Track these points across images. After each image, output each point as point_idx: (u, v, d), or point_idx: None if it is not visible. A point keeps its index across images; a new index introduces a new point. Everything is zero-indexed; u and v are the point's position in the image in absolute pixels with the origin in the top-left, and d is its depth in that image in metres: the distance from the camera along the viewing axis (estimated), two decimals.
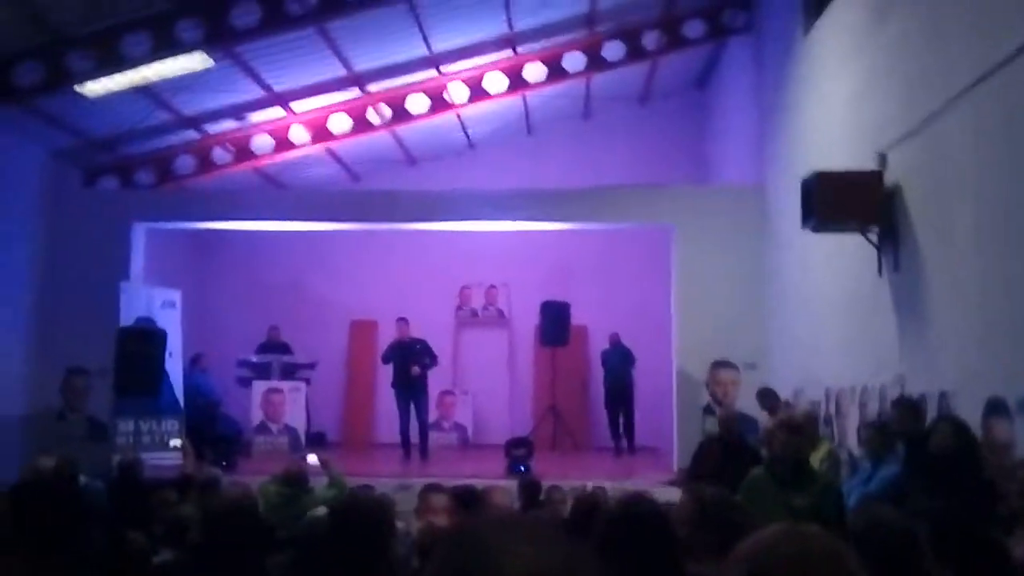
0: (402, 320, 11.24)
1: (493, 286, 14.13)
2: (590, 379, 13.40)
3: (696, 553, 2.58)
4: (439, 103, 11.88)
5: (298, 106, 11.56)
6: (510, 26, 10.82)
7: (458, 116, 12.71)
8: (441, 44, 10.86)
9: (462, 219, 10.94)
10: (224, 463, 9.19)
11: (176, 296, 11.16)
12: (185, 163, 11.99)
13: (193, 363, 11.47)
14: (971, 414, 4.68)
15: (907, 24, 6.17)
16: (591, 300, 13.06)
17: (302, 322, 13.00)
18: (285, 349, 12.17)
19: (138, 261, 10.90)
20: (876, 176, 6.28)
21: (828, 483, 4.59)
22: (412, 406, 10.97)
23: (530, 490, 6.07)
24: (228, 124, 11.65)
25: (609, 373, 12.35)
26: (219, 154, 12.00)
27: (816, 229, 6.50)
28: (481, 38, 11.01)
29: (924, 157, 5.81)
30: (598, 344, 13.34)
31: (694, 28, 11.39)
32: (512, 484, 6.31)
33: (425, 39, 10.54)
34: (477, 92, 11.80)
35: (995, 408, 4.57)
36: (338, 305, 13.77)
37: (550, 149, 13.77)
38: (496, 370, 13.85)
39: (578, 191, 11.02)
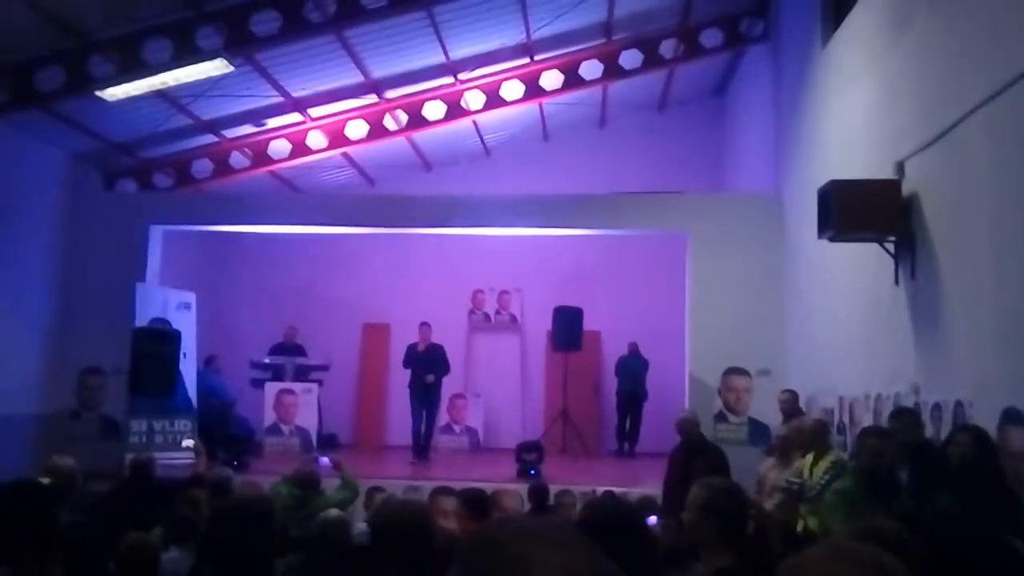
0: (425, 325, 11.31)
1: (506, 291, 14.15)
2: (602, 384, 13.41)
3: (703, 542, 2.60)
4: (456, 110, 11.93)
5: (316, 112, 11.64)
6: (528, 34, 10.85)
7: (474, 123, 12.75)
8: (458, 52, 10.90)
9: (477, 224, 10.97)
10: (236, 463, 9.23)
11: (191, 298, 11.24)
12: (203, 167, 12.09)
13: (207, 364, 11.55)
14: (987, 424, 4.64)
15: (926, 35, 6.15)
16: (604, 306, 13.06)
17: (315, 324, 13.06)
18: (299, 351, 12.23)
19: (154, 263, 10.98)
20: (894, 185, 6.25)
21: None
22: (424, 408, 11.06)
23: (539, 494, 6.06)
24: (246, 129, 11.74)
25: (624, 380, 12.50)
26: (236, 158, 12.09)
27: (833, 239, 6.47)
28: (498, 46, 11.05)
29: (942, 167, 5.78)
30: (611, 350, 13.37)
31: (711, 37, 11.38)
32: (522, 488, 6.30)
33: (443, 47, 10.59)
34: (494, 99, 11.83)
35: (1011, 418, 4.53)
36: (351, 308, 13.82)
37: (566, 156, 13.79)
38: (508, 374, 13.86)
39: (593, 197, 11.02)
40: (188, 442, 9.93)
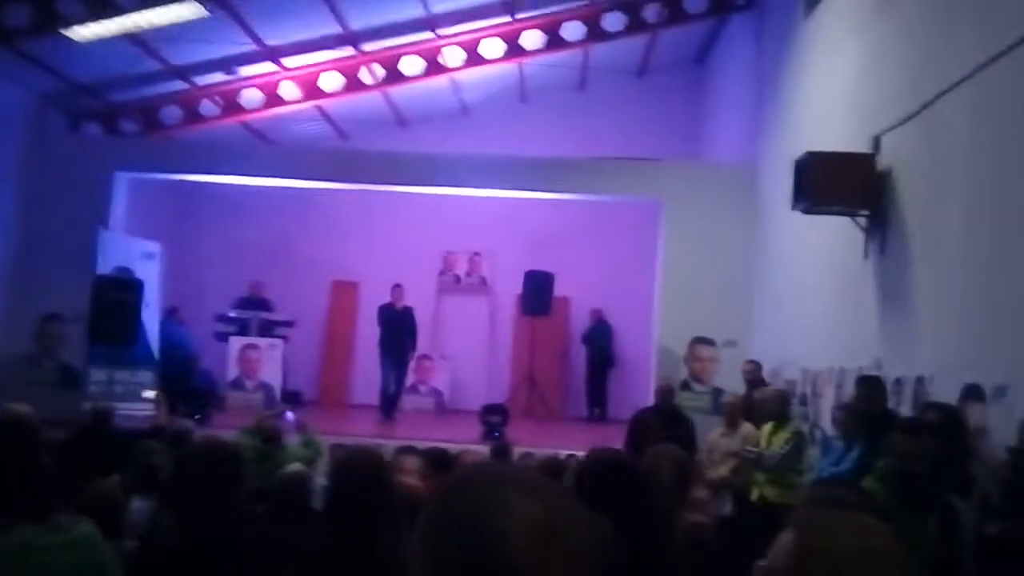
0: (397, 287, 11.33)
1: (477, 253, 14.08)
2: (570, 350, 13.44)
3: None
4: (433, 66, 11.73)
5: (290, 62, 11.38)
6: None
7: (452, 80, 12.56)
8: (439, 6, 10.69)
9: (451, 184, 10.87)
10: (197, 416, 9.13)
11: (156, 248, 11.03)
12: (171, 113, 11.81)
13: (169, 315, 11.37)
14: (947, 400, 4.69)
15: (909, 10, 6.12)
16: (576, 272, 13.03)
17: (283, 280, 12.90)
18: (265, 305, 12.09)
19: (119, 210, 10.77)
20: (869, 159, 6.26)
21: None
22: (392, 369, 11.11)
23: (502, 455, 6.07)
24: (217, 76, 11.46)
25: (593, 349, 12.66)
26: (207, 106, 11.82)
27: (806, 211, 6.49)
28: (480, 2, 10.86)
29: (918, 143, 5.79)
30: (580, 316, 13.40)
31: (696, 3, 11.28)
32: (486, 449, 6.31)
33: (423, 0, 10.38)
34: (473, 57, 11.66)
35: (971, 394, 4.59)
36: (320, 264, 13.67)
37: (543, 119, 13.63)
38: (476, 337, 13.84)
39: (568, 161, 10.94)
40: (149, 393, 9.83)
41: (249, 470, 5.31)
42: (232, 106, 11.84)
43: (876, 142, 6.34)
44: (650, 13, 11.32)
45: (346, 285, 13.84)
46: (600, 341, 12.81)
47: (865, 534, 1.09)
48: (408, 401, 12.34)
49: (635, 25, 11.47)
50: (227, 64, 11.14)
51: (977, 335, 4.77)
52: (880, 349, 6.02)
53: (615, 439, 9.51)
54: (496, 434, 9.04)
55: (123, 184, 10.82)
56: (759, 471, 6.16)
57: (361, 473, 2.84)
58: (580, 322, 13.41)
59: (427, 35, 11.38)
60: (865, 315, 6.36)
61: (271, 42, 10.68)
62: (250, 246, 13.46)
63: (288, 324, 12.04)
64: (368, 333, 11.50)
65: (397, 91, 12.53)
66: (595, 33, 11.51)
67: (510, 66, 12.36)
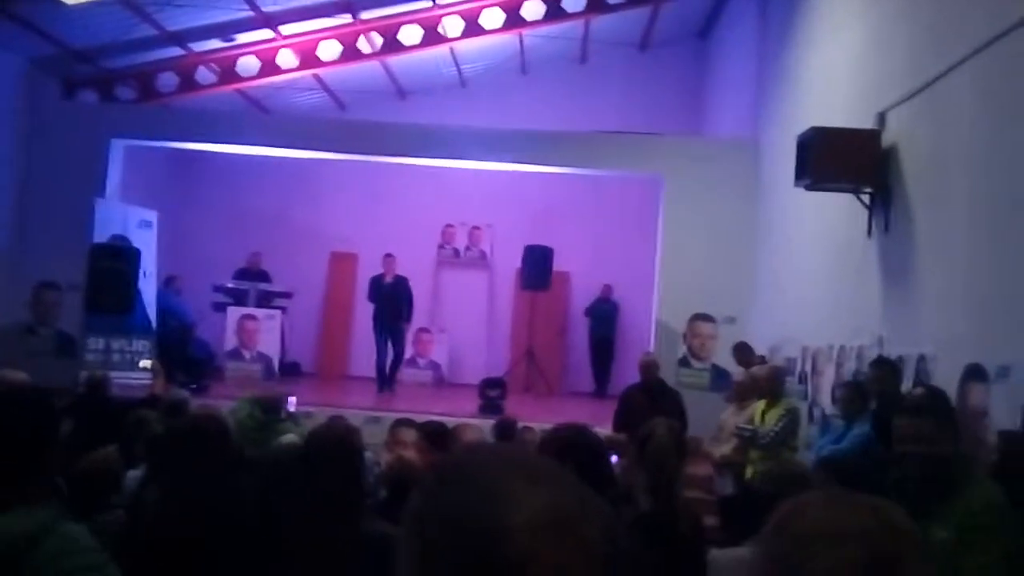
0: (389, 256, 11.21)
1: (477, 227, 14.00)
2: (569, 325, 13.42)
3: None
4: (433, 35, 11.58)
5: (287, 29, 11.23)
6: None
7: (451, 50, 12.41)
8: None
9: (450, 156, 10.76)
10: (194, 386, 9.12)
11: (153, 216, 10.94)
12: (168, 81, 11.67)
13: (167, 284, 11.30)
14: (949, 379, 4.66)
15: None
16: (576, 247, 12.98)
17: (281, 251, 12.83)
18: (263, 277, 12.02)
19: (115, 178, 10.67)
20: (873, 135, 6.18)
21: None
22: (389, 340, 11.00)
23: (505, 430, 6.04)
24: (214, 43, 11.31)
25: (596, 323, 12.64)
26: (203, 74, 11.67)
27: (809, 187, 6.42)
28: None
29: (923, 119, 5.71)
30: (580, 290, 13.36)
31: None
32: (484, 423, 6.28)
33: None
34: (473, 27, 11.50)
35: (973, 374, 4.55)
36: (319, 236, 13.60)
37: (544, 91, 13.51)
38: (475, 311, 13.81)
39: (568, 135, 10.84)
40: (146, 362, 9.79)
41: (245, 438, 5.32)
42: (229, 74, 11.70)
43: (881, 118, 6.26)
44: None
45: (345, 257, 13.78)
46: (604, 316, 12.79)
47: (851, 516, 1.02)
48: (406, 374, 12.33)
49: None
50: (223, 31, 10.99)
51: (981, 314, 4.72)
52: (882, 327, 5.99)
53: (610, 416, 9.55)
54: (497, 408, 9.00)
55: (119, 151, 10.71)
56: (754, 448, 6.14)
57: (332, 438, 3.00)
58: (580, 298, 13.37)
59: (426, 3, 11.22)
60: (867, 293, 6.31)
61: (267, 8, 10.53)
62: (249, 216, 13.38)
63: (286, 295, 11.99)
64: (367, 305, 11.42)
65: (396, 62, 12.38)
66: (596, 4, 11.37)
67: (510, 37, 12.21)
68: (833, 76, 7.62)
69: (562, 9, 11.38)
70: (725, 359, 8.81)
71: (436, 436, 5.04)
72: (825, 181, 6.30)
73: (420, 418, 5.49)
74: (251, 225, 13.20)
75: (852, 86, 7.10)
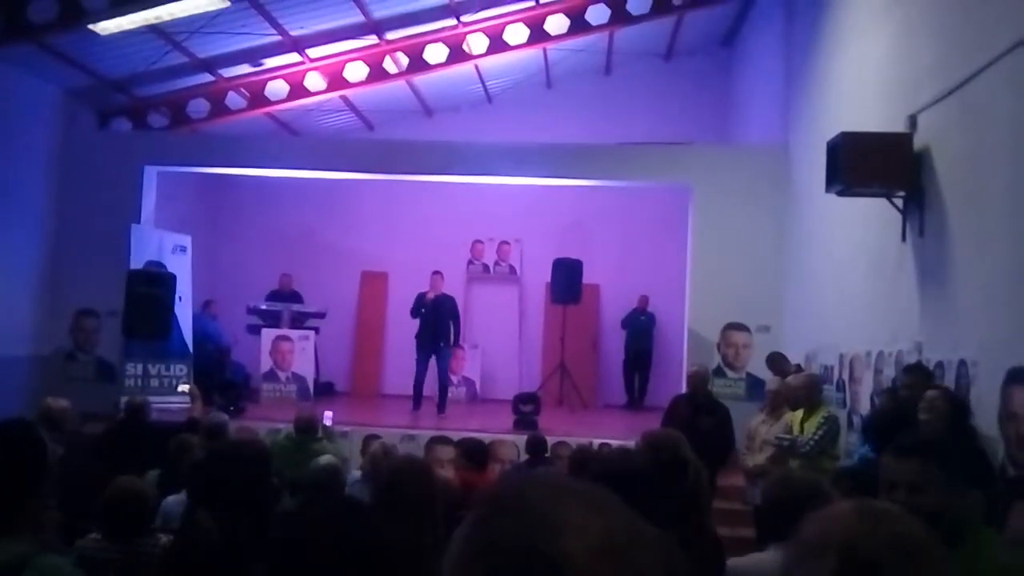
0: (436, 274, 10.81)
1: (506, 241, 14.02)
2: (600, 338, 13.37)
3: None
4: (458, 53, 11.66)
5: (314, 52, 11.37)
6: None
7: (476, 68, 12.49)
8: None
9: (477, 173, 10.80)
10: (232, 409, 9.21)
11: (187, 241, 11.11)
12: (198, 107, 11.86)
13: (203, 308, 11.48)
14: (991, 383, 4.58)
15: None
16: (605, 259, 12.95)
17: (313, 271, 12.95)
18: (295, 298, 12.14)
19: (149, 204, 10.85)
20: (905, 139, 6.11)
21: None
22: (434, 360, 10.52)
23: (536, 446, 6.02)
24: (243, 68, 11.49)
25: (632, 336, 12.59)
26: (233, 99, 11.86)
27: (841, 193, 6.34)
28: None
29: (956, 121, 5.63)
30: (610, 303, 13.31)
31: None
32: (519, 439, 6.27)
33: None
34: (497, 43, 11.57)
35: (1016, 377, 4.46)
36: (350, 255, 13.71)
37: (569, 104, 13.53)
38: (506, 326, 13.81)
39: (595, 147, 10.83)
40: (184, 387, 9.91)
41: (282, 461, 5.36)
42: (258, 98, 11.87)
43: (912, 121, 6.18)
44: None
45: (375, 276, 13.87)
46: (640, 328, 12.72)
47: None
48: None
49: (660, 7, 11.32)
50: (252, 56, 11.16)
51: (1022, 316, 4.63)
52: (921, 332, 5.89)
53: (644, 428, 9.47)
54: (532, 424, 8.96)
55: (152, 178, 10.90)
56: (793, 458, 6.06)
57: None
58: (611, 310, 13.31)
59: (451, 22, 11.31)
60: (904, 298, 6.22)
61: (295, 32, 10.68)
62: (280, 238, 13.54)
63: (319, 315, 12.09)
64: (399, 323, 11.43)
65: (423, 81, 12.48)
66: (620, 16, 11.37)
67: (535, 52, 12.26)
68: (861, 79, 7.54)
69: (586, 22, 11.41)
70: (760, 368, 8.72)
71: (473, 452, 5.04)
72: (857, 186, 6.23)
73: (455, 435, 5.51)
74: (283, 247, 13.36)
75: (881, 89, 7.02)
